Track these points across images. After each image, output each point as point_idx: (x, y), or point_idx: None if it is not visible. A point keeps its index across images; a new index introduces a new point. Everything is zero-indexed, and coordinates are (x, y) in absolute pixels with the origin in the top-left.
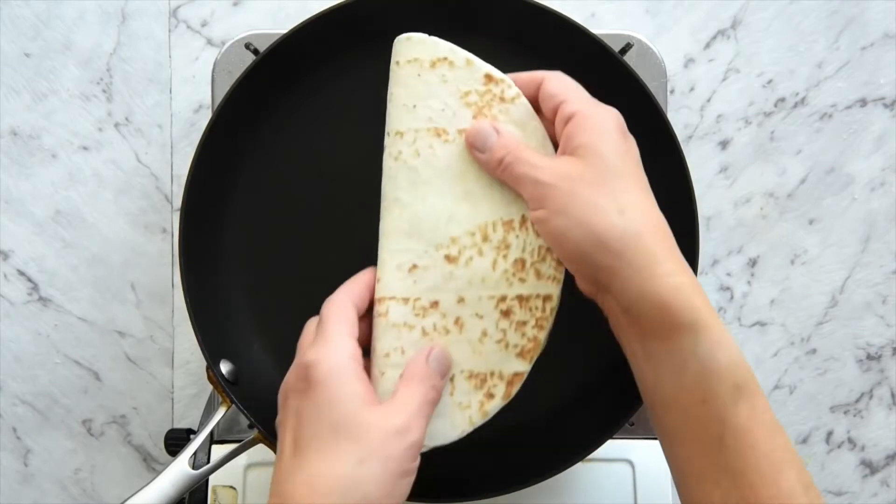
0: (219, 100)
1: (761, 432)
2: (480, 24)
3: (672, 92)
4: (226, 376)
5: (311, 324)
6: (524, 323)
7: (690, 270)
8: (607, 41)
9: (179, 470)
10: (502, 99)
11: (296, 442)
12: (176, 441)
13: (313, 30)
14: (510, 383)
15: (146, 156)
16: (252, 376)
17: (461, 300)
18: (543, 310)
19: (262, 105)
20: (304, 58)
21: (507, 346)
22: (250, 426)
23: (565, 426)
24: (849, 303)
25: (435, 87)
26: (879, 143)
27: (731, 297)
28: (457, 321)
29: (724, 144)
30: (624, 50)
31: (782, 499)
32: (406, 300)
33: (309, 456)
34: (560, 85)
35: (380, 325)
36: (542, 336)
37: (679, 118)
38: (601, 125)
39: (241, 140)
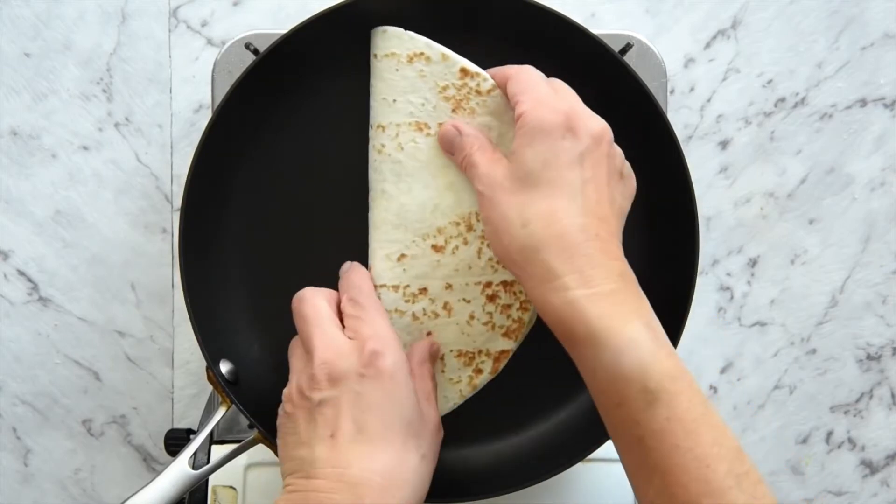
0: (219, 100)
1: (681, 432)
2: (480, 24)
3: (672, 92)
4: (226, 376)
5: (317, 299)
6: (509, 306)
7: (602, 279)
8: (607, 41)
9: (179, 470)
10: (478, 92)
11: (360, 428)
12: (176, 441)
13: (313, 30)
14: (497, 359)
15: (146, 156)
16: (252, 376)
17: (449, 286)
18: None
19: (262, 105)
20: (303, 58)
21: (493, 327)
22: (250, 426)
23: (565, 426)
24: (849, 303)
25: (413, 81)
26: (879, 143)
27: (731, 297)
28: (445, 306)
29: (724, 144)
30: (624, 50)
31: (713, 494)
32: (396, 287)
33: (378, 446)
34: (518, 85)
35: None
36: (527, 317)
37: (679, 118)
38: (535, 128)
39: (242, 140)
